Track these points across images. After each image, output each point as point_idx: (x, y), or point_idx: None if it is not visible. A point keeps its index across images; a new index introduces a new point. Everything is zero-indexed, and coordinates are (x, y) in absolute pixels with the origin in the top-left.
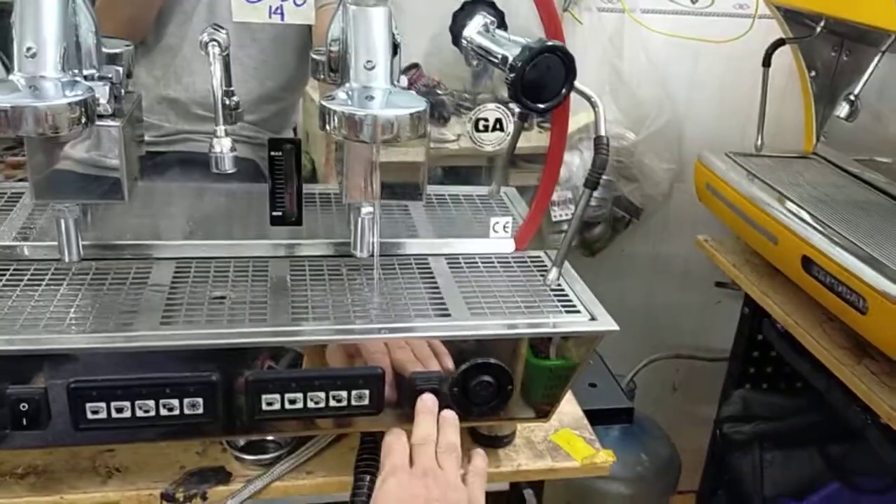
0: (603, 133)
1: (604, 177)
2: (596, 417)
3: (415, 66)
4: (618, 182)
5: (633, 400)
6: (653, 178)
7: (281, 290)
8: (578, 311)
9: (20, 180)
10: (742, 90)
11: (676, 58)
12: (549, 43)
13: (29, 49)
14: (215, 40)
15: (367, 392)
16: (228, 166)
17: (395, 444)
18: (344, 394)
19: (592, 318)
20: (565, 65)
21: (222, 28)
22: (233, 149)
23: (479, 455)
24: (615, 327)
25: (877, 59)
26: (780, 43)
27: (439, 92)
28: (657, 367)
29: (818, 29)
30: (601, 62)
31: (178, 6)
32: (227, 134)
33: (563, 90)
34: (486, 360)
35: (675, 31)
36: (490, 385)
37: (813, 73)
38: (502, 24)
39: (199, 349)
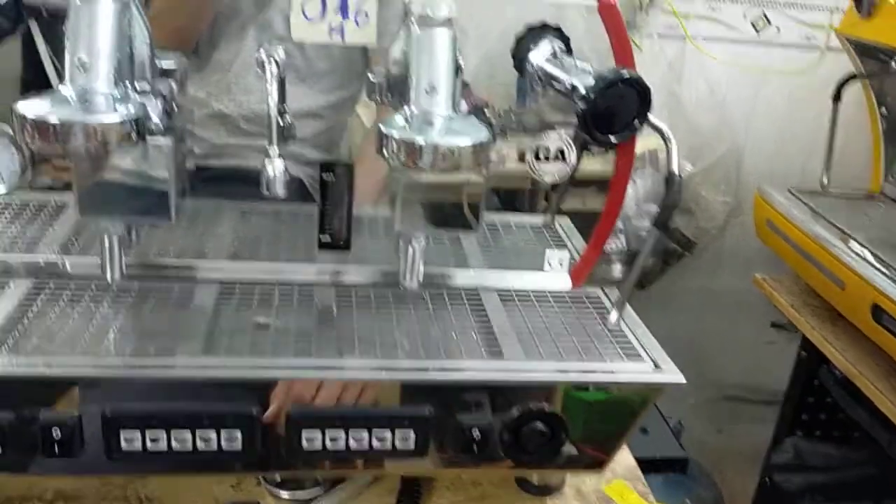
0: (676, 170)
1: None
2: (648, 466)
3: (464, 85)
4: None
5: (680, 440)
6: (708, 211)
7: (326, 319)
8: (640, 358)
9: (66, 186)
10: (804, 123)
11: (737, 87)
12: (625, 73)
13: (81, 60)
14: (272, 58)
15: (411, 433)
16: (280, 190)
17: None
18: (388, 434)
19: (656, 367)
20: (640, 97)
21: (279, 46)
22: (285, 172)
23: None
24: (681, 379)
25: None
26: (851, 77)
27: (487, 112)
28: (703, 407)
29: (893, 64)
30: (659, 89)
31: (233, 21)
32: (279, 156)
33: (636, 122)
34: (541, 407)
35: (737, 61)
36: (543, 434)
37: (883, 110)
38: (568, 51)
39: (241, 381)
